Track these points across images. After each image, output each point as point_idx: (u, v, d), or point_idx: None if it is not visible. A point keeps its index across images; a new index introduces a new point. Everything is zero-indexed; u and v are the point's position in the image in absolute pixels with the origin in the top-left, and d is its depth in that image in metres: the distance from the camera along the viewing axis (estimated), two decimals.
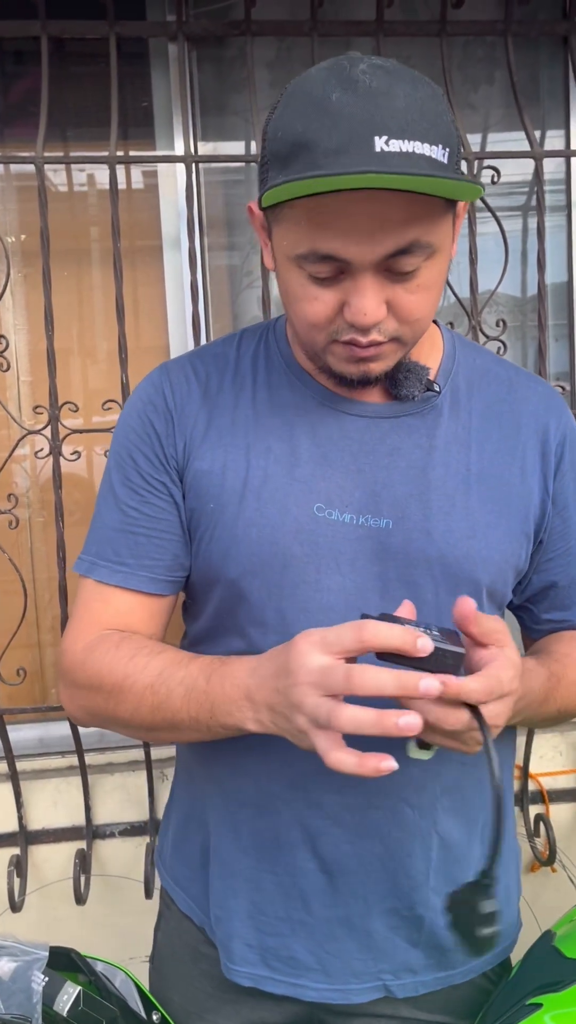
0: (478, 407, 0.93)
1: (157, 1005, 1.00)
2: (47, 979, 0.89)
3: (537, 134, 1.84)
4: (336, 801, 0.90)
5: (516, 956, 1.04)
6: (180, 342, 1.82)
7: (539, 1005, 0.87)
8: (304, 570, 0.87)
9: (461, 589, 0.87)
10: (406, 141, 0.70)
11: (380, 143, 0.70)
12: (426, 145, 0.71)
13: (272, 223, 0.81)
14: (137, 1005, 0.98)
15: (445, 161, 0.73)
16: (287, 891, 0.94)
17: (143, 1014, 0.97)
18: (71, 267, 1.84)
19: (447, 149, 0.73)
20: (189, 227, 1.60)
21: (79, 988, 0.88)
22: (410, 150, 0.70)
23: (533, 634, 1.05)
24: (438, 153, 0.72)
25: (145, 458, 0.92)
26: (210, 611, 0.94)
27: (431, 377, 0.91)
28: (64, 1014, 0.85)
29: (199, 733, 0.84)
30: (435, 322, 0.97)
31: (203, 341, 1.70)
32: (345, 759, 0.67)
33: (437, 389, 0.90)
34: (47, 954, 0.91)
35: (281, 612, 0.88)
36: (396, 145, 0.70)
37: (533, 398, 0.96)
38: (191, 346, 1.73)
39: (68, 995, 0.86)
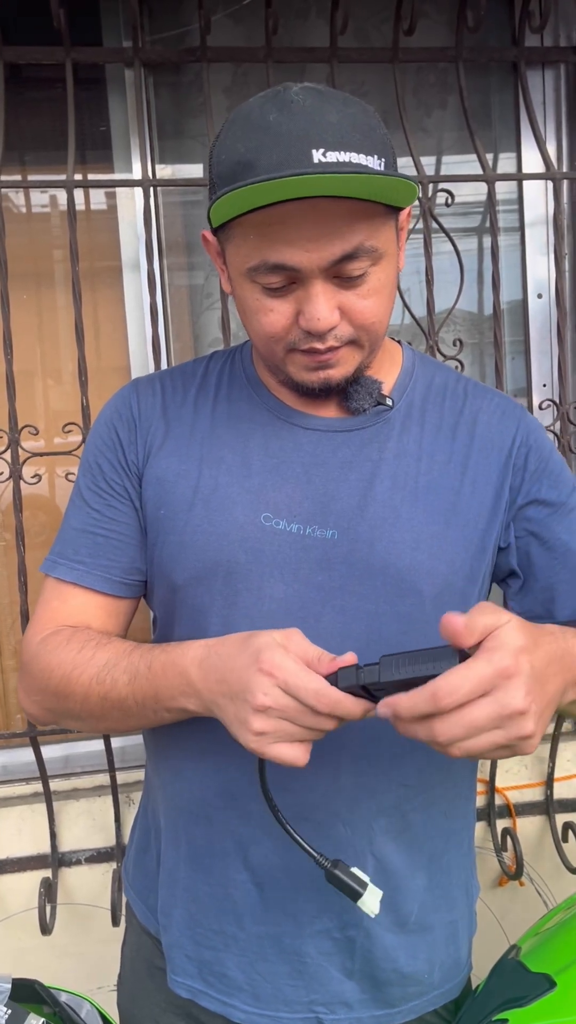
0: (432, 420, 0.94)
1: None
2: (10, 1012, 0.87)
3: (489, 157, 1.88)
4: (265, 812, 0.89)
5: (483, 970, 1.04)
6: (141, 363, 1.82)
7: (505, 1021, 0.87)
8: (247, 578, 0.89)
9: (404, 599, 0.88)
10: (342, 152, 0.74)
11: (317, 155, 0.74)
12: (361, 155, 0.75)
13: (224, 244, 0.84)
14: None
15: (381, 168, 0.77)
16: (220, 903, 0.93)
17: None
18: (30, 289, 1.83)
19: (382, 159, 0.78)
20: (148, 250, 1.61)
21: (43, 1020, 0.86)
22: (346, 159, 0.74)
23: None
24: (373, 162, 0.76)
25: (109, 464, 0.96)
26: (162, 618, 0.97)
27: (385, 392, 0.93)
28: None
29: (147, 719, 0.86)
30: (398, 341, 1.01)
31: (163, 362, 1.71)
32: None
33: (389, 403, 0.92)
34: (9, 986, 0.90)
35: (224, 619, 0.90)
36: (333, 156, 0.74)
37: (488, 408, 0.96)
38: (152, 367, 1.73)
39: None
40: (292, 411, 0.93)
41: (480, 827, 1.83)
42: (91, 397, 1.59)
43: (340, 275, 0.79)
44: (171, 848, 0.98)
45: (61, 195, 1.82)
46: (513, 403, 1.00)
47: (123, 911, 1.65)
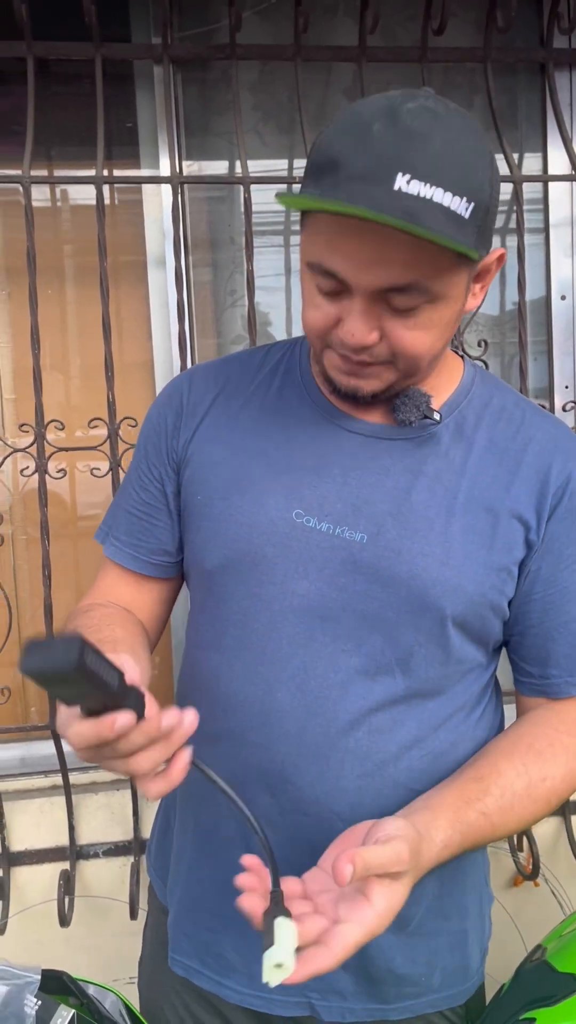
0: (481, 441, 0.92)
1: (144, 1022, 0.99)
2: (40, 1003, 0.88)
3: (515, 157, 1.88)
4: (270, 801, 0.92)
5: (504, 971, 1.05)
6: (165, 359, 1.83)
7: (532, 1020, 0.88)
8: (272, 571, 0.90)
9: (424, 614, 0.88)
10: (427, 185, 0.71)
11: (401, 181, 0.71)
12: (448, 194, 0.72)
13: (303, 225, 0.84)
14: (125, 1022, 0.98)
15: (466, 215, 0.74)
16: (221, 886, 0.94)
17: None
18: (53, 284, 1.84)
19: (472, 203, 0.74)
20: (175, 247, 1.61)
21: (72, 1012, 0.87)
22: (428, 195, 0.71)
23: (519, 687, 1.00)
24: (459, 205, 0.73)
25: (155, 448, 0.99)
26: (194, 602, 1.01)
27: (434, 406, 0.91)
28: None
29: None
30: (463, 356, 0.99)
31: (189, 359, 1.71)
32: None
33: (436, 418, 0.90)
34: (39, 977, 0.90)
35: (244, 610, 0.92)
36: (416, 187, 0.71)
37: (540, 437, 0.93)
38: (176, 363, 1.73)
39: (62, 1019, 0.85)
40: (339, 413, 0.93)
41: None
42: (114, 392, 1.60)
43: (389, 302, 0.78)
44: (181, 830, 1.02)
45: (83, 190, 1.83)
46: (569, 437, 0.96)
47: (141, 904, 1.66)
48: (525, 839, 1.80)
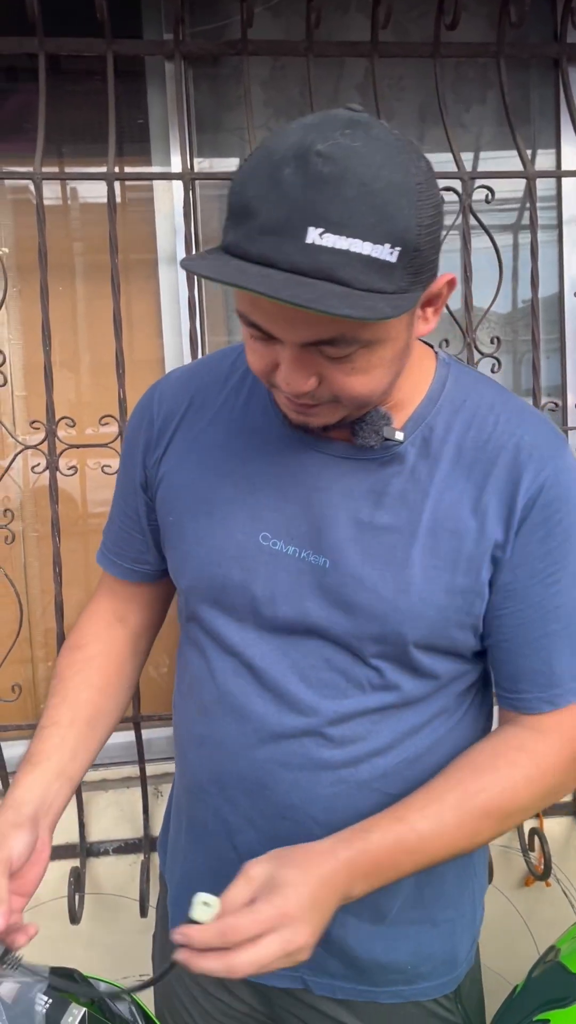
0: (449, 454, 0.87)
1: (157, 1022, 0.99)
2: (51, 1001, 0.88)
3: (528, 153, 1.87)
4: (249, 804, 0.94)
5: (516, 972, 1.04)
6: (175, 356, 1.83)
7: (546, 1021, 0.87)
8: (242, 594, 0.91)
9: (385, 641, 0.88)
10: (343, 237, 0.66)
11: (314, 235, 0.67)
12: (367, 244, 0.67)
13: None
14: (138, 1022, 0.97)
15: (393, 260, 0.69)
16: (214, 874, 0.95)
17: None
18: (64, 281, 1.84)
19: (397, 248, 0.69)
20: (187, 244, 1.61)
21: (84, 1010, 0.87)
22: (345, 247, 0.67)
23: (497, 698, 0.97)
24: (382, 252, 0.68)
25: (132, 461, 1.01)
26: (180, 609, 1.03)
27: (398, 423, 0.87)
28: None
29: None
30: (436, 350, 0.93)
31: (200, 356, 1.71)
32: None
33: (399, 438, 0.85)
34: (48, 975, 0.90)
35: (218, 627, 0.94)
36: (330, 240, 0.67)
37: (513, 444, 0.86)
38: (187, 360, 1.73)
39: (73, 1016, 0.85)
40: (304, 432, 0.89)
41: None
42: (125, 390, 1.60)
43: (321, 351, 0.74)
44: (176, 818, 1.08)
45: (94, 188, 1.82)
46: (549, 442, 0.88)
47: (151, 901, 1.66)
48: (536, 839, 1.79)
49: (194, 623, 0.98)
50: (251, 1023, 1.07)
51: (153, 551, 1.03)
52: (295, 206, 0.67)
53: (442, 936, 0.99)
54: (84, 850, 1.72)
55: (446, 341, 1.66)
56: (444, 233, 0.84)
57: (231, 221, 0.72)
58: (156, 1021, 0.99)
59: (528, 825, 1.82)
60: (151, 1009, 1.01)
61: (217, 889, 0.94)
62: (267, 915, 0.73)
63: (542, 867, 1.78)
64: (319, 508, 0.88)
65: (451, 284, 0.79)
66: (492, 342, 1.70)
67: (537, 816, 1.82)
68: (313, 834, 0.89)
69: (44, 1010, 0.86)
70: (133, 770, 1.74)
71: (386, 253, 0.68)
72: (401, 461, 0.87)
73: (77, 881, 1.67)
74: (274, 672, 0.91)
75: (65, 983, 0.91)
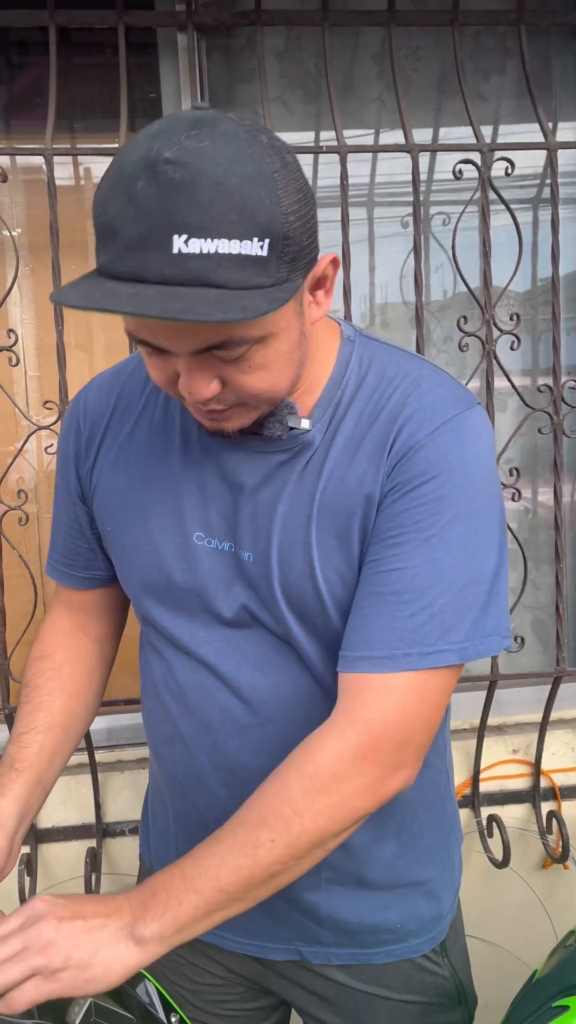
0: (345, 431, 0.87)
1: (176, 1007, 0.99)
2: None
3: (549, 125, 1.82)
4: (226, 795, 0.95)
5: (534, 955, 1.03)
6: None
7: (566, 1007, 0.86)
8: (186, 594, 0.93)
9: (306, 626, 0.90)
10: (208, 240, 0.67)
11: (179, 243, 0.66)
12: (234, 242, 0.67)
13: None
14: (156, 1008, 0.97)
15: (264, 253, 0.69)
16: None
17: (162, 1017, 0.96)
18: (77, 260, 1.82)
19: (265, 240, 0.69)
20: None
21: (90, 1000, 0.86)
22: (212, 250, 0.67)
23: None
24: (251, 247, 0.68)
25: (66, 473, 1.02)
26: (135, 614, 1.04)
27: (304, 412, 0.87)
28: None
29: None
30: (340, 324, 0.92)
31: None
32: None
33: (306, 426, 0.85)
34: None
35: (171, 628, 0.95)
36: (196, 245, 0.67)
37: (404, 412, 0.85)
38: None
39: (79, 1007, 0.84)
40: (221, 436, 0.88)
41: (525, 809, 1.81)
42: None
43: (214, 355, 0.74)
44: (160, 807, 1.08)
45: (105, 165, 1.79)
46: (437, 409, 0.85)
47: None
48: (555, 820, 1.78)
49: (148, 626, 1.00)
50: (249, 995, 1.10)
51: (102, 557, 1.04)
52: (154, 218, 0.67)
53: (427, 894, 1.02)
54: (100, 831, 1.72)
55: (464, 318, 1.62)
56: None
57: (100, 243, 0.72)
58: (171, 1001, 0.99)
59: (546, 808, 1.81)
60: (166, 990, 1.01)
61: None
62: (11, 924, 0.75)
63: (560, 850, 1.78)
64: (241, 504, 0.90)
65: (335, 263, 0.79)
66: (511, 319, 1.67)
67: (555, 799, 1.82)
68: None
69: None
70: (147, 751, 1.73)
71: (255, 248, 0.68)
72: (308, 448, 0.88)
73: (94, 861, 1.68)
74: (227, 666, 0.93)
75: None
